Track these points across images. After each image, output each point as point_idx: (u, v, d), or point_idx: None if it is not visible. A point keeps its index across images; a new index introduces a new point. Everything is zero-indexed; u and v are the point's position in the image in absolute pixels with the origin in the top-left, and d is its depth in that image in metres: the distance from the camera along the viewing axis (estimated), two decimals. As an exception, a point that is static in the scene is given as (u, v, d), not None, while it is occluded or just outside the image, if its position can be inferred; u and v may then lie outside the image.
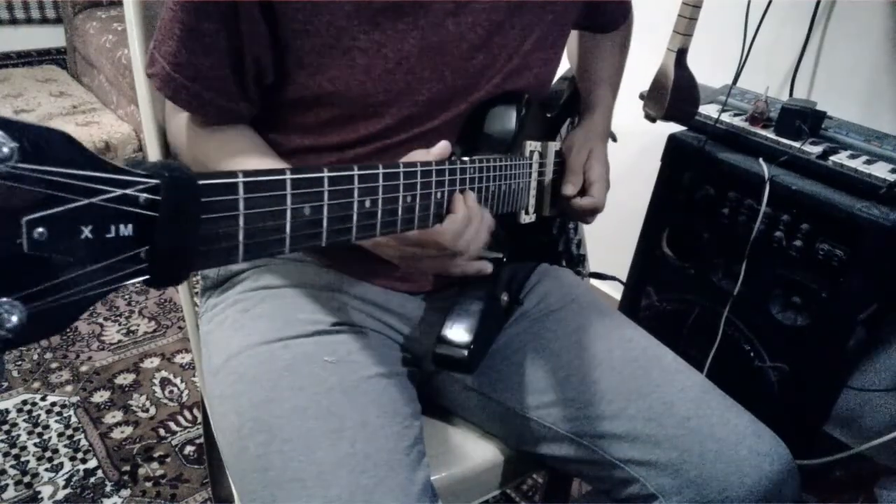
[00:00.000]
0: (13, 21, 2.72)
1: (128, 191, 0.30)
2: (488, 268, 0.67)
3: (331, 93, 0.66)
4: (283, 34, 0.63)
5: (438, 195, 0.57)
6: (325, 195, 0.43)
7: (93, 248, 0.29)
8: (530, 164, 0.75)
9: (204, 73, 0.64)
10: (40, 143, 0.27)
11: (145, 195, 0.31)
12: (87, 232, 0.28)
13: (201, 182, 0.34)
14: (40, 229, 0.27)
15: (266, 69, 0.66)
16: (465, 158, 0.61)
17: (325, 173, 0.43)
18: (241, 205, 0.36)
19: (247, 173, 0.37)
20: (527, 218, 0.77)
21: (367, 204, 0.48)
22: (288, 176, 0.40)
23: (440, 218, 0.58)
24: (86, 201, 0.28)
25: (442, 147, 0.60)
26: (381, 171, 0.48)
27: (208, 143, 0.70)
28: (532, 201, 0.77)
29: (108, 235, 0.29)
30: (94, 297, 0.30)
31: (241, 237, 0.36)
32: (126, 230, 0.30)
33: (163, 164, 0.32)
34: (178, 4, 0.61)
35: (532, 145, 0.76)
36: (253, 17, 0.61)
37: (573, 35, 0.94)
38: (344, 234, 0.47)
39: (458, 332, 0.67)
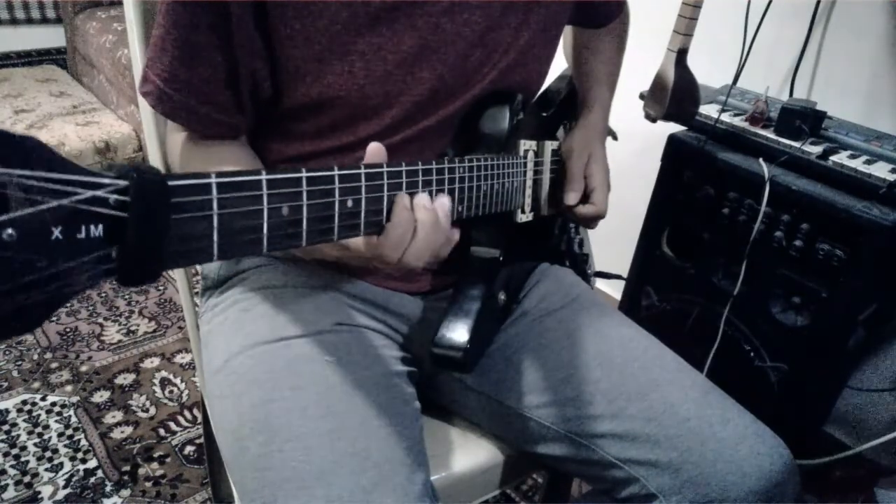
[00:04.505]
0: (13, 21, 2.72)
1: (98, 192, 0.31)
2: None
3: (330, 98, 0.66)
4: (279, 44, 0.63)
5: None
6: (304, 195, 0.43)
7: (63, 248, 0.30)
8: (525, 164, 0.75)
9: (199, 87, 0.63)
10: (11, 148, 0.28)
11: (115, 196, 0.31)
12: (57, 233, 0.29)
13: (171, 183, 0.34)
14: (10, 231, 0.28)
15: (262, 82, 0.66)
16: (448, 157, 0.60)
17: (304, 173, 0.43)
18: (215, 205, 0.37)
19: (220, 174, 0.37)
20: (523, 217, 0.77)
21: (350, 203, 0.48)
22: (264, 176, 0.40)
23: None
24: (56, 203, 0.29)
25: (374, 149, 0.54)
26: (363, 171, 0.49)
27: (198, 159, 0.69)
28: (528, 200, 0.77)
29: (79, 236, 0.30)
30: (66, 296, 0.31)
31: (215, 237, 0.37)
32: (97, 231, 0.31)
33: (134, 167, 0.33)
34: (168, 20, 0.60)
35: (527, 144, 0.76)
36: (247, 28, 0.61)
37: (569, 34, 0.94)
38: (326, 234, 0.47)
39: (454, 332, 0.67)
